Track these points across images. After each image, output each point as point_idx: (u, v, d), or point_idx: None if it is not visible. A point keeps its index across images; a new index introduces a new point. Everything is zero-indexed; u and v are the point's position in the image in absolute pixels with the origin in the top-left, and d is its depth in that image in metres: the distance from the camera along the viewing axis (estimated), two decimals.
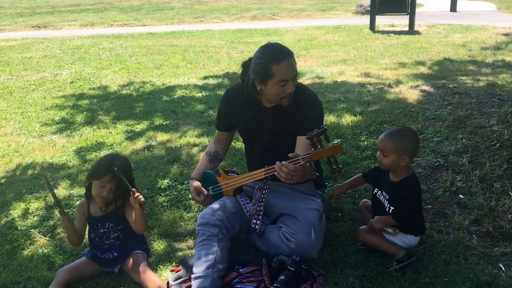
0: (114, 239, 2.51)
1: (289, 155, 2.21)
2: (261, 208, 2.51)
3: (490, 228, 2.67)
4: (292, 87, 2.40)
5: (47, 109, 5.66)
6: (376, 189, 2.59)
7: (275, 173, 2.24)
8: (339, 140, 2.18)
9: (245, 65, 2.54)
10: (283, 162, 2.20)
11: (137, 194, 2.35)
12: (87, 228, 2.56)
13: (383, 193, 2.52)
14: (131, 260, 2.45)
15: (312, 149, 2.17)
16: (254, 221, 2.52)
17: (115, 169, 2.33)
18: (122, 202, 2.46)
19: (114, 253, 2.51)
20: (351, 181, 2.74)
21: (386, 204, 2.48)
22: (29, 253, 2.75)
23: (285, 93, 2.40)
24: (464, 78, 6.08)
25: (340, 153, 2.13)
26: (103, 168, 2.42)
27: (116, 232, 2.51)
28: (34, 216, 3.18)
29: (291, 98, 2.44)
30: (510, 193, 2.98)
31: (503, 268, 2.36)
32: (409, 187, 2.42)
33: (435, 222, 2.80)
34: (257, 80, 2.43)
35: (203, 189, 2.70)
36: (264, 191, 2.51)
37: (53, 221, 3.09)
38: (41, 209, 3.27)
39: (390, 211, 2.45)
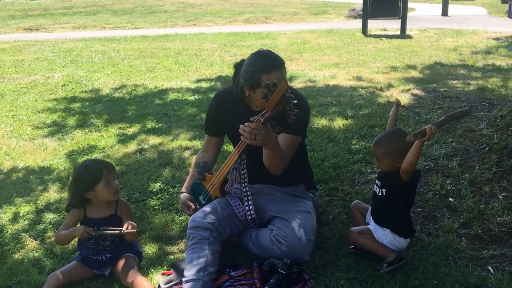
0: (110, 241, 2.52)
1: (251, 119, 2.14)
2: (247, 189, 2.51)
3: (479, 231, 2.69)
4: None
5: (39, 112, 5.64)
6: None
7: (241, 137, 2.16)
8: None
9: (237, 66, 2.55)
10: (246, 123, 2.13)
11: (126, 228, 2.43)
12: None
13: (376, 181, 2.54)
14: (121, 263, 2.45)
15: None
16: (246, 203, 2.51)
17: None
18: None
19: (107, 255, 2.51)
20: None
21: (378, 191, 2.50)
22: (20, 257, 2.74)
23: None
24: (454, 82, 6.14)
25: (287, 89, 2.00)
26: (95, 170, 2.45)
27: (113, 236, 2.52)
28: (24, 220, 3.16)
29: None
30: (499, 196, 3.01)
31: (491, 271, 2.39)
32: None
33: (425, 225, 2.82)
34: (246, 86, 2.44)
35: (190, 203, 2.70)
36: (242, 172, 2.50)
37: (43, 224, 3.08)
38: (31, 212, 3.25)
39: (381, 193, 2.47)
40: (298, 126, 2.43)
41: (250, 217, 2.53)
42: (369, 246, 2.51)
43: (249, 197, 2.53)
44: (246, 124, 2.11)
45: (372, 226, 2.55)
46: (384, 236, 2.49)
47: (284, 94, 2.02)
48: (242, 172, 2.52)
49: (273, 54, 2.47)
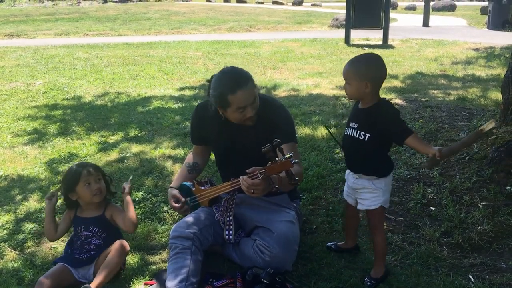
0: (95, 245, 2.52)
1: (247, 170, 2.21)
2: (230, 218, 2.52)
3: (460, 240, 2.73)
4: (252, 111, 2.40)
5: (19, 120, 5.55)
6: (345, 129, 2.43)
7: (241, 186, 2.24)
8: (291, 154, 2.16)
9: (210, 82, 2.53)
10: (244, 176, 2.21)
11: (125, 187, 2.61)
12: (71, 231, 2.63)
13: (350, 124, 2.37)
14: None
15: (269, 163, 2.18)
16: (227, 232, 2.52)
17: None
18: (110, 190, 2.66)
19: (92, 252, 2.52)
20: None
21: (355, 134, 2.32)
22: None
23: (245, 117, 2.41)
24: (435, 92, 6.23)
25: (290, 167, 2.14)
26: (75, 173, 2.52)
27: (99, 239, 2.53)
28: (3, 230, 3.10)
29: (255, 117, 2.45)
30: (479, 205, 3.05)
31: (472, 279, 2.42)
32: (381, 110, 2.30)
33: (407, 234, 2.85)
34: (217, 106, 2.45)
35: (180, 196, 2.67)
36: (232, 202, 2.52)
37: (23, 234, 3.03)
38: (10, 222, 3.19)
39: (366, 139, 2.28)
40: (292, 133, 2.58)
41: (227, 240, 2.54)
42: (381, 247, 2.45)
43: (231, 227, 2.53)
44: (244, 178, 2.20)
45: (352, 181, 2.45)
46: (367, 193, 2.38)
47: (287, 171, 2.16)
48: (232, 202, 2.53)
49: (237, 71, 2.44)
